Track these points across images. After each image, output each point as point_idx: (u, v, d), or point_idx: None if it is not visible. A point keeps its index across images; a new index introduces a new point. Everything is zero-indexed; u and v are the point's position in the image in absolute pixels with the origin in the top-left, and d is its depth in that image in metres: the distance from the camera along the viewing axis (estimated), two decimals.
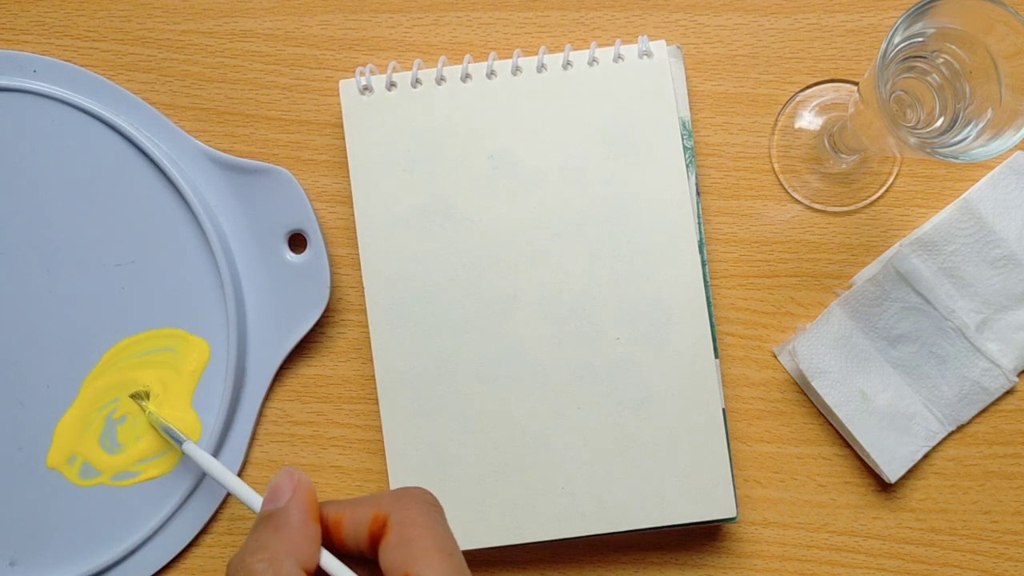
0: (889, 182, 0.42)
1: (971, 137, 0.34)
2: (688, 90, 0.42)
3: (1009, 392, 0.42)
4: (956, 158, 0.33)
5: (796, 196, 0.42)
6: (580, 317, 0.41)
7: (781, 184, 0.43)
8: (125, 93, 0.43)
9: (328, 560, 0.30)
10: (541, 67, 0.41)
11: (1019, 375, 0.42)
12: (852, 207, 0.42)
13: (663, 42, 0.41)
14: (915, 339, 0.42)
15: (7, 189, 0.42)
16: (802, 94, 0.43)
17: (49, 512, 0.42)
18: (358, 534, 0.30)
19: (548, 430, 0.41)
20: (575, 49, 0.42)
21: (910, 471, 0.42)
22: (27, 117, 0.42)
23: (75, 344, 0.42)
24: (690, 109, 0.42)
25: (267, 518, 0.31)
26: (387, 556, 0.29)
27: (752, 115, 0.43)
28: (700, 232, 0.42)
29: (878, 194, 0.42)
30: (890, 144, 0.34)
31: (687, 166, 0.42)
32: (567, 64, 0.41)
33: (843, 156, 0.42)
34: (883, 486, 0.43)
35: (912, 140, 0.33)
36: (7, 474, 0.42)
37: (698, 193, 0.42)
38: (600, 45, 0.42)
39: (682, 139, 0.41)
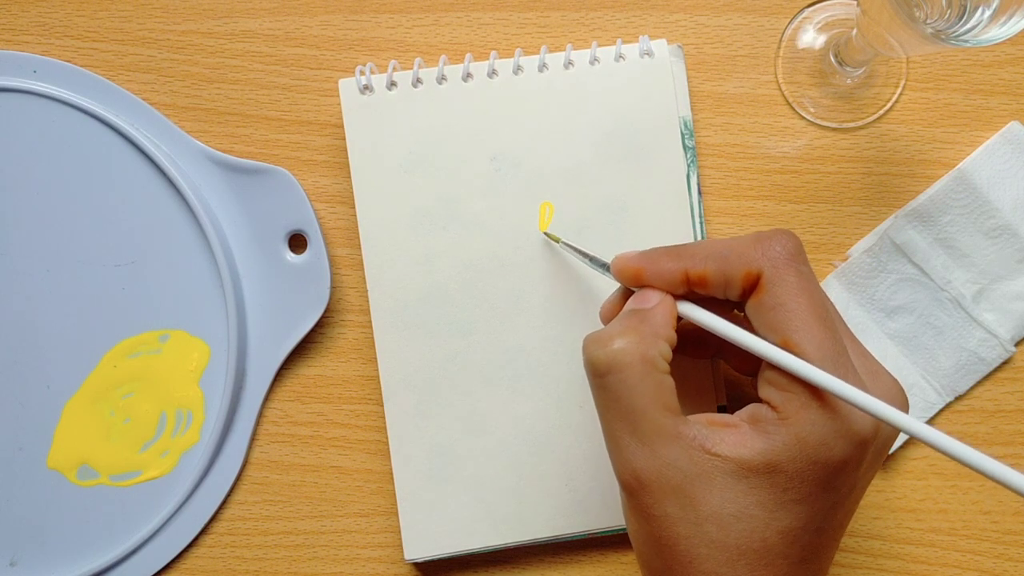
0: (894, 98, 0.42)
1: (982, 24, 0.34)
2: (689, 90, 0.42)
3: (1010, 392, 0.42)
4: (968, 43, 0.33)
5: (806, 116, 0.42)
6: (583, 317, 0.41)
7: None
8: (125, 93, 0.43)
9: (689, 308, 0.32)
10: (543, 66, 0.41)
11: (1016, 345, 0.42)
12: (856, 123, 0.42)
13: (664, 41, 0.41)
14: (912, 310, 0.42)
15: (7, 189, 0.42)
16: (807, 10, 0.43)
17: (49, 512, 0.42)
18: (728, 291, 0.31)
19: (552, 429, 0.41)
20: (576, 49, 0.42)
21: (910, 471, 0.42)
22: (27, 117, 0.42)
23: (75, 344, 0.42)
24: (691, 109, 0.42)
25: (634, 312, 0.32)
26: (762, 316, 0.30)
27: (752, 115, 0.43)
28: (701, 232, 0.42)
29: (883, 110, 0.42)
30: (900, 40, 0.34)
31: (688, 165, 0.42)
32: (568, 63, 0.41)
33: (848, 70, 0.42)
34: (883, 486, 0.43)
35: (927, 31, 0.32)
36: (7, 474, 0.42)
37: (699, 193, 0.42)
38: (601, 45, 0.42)
39: (683, 138, 0.41)
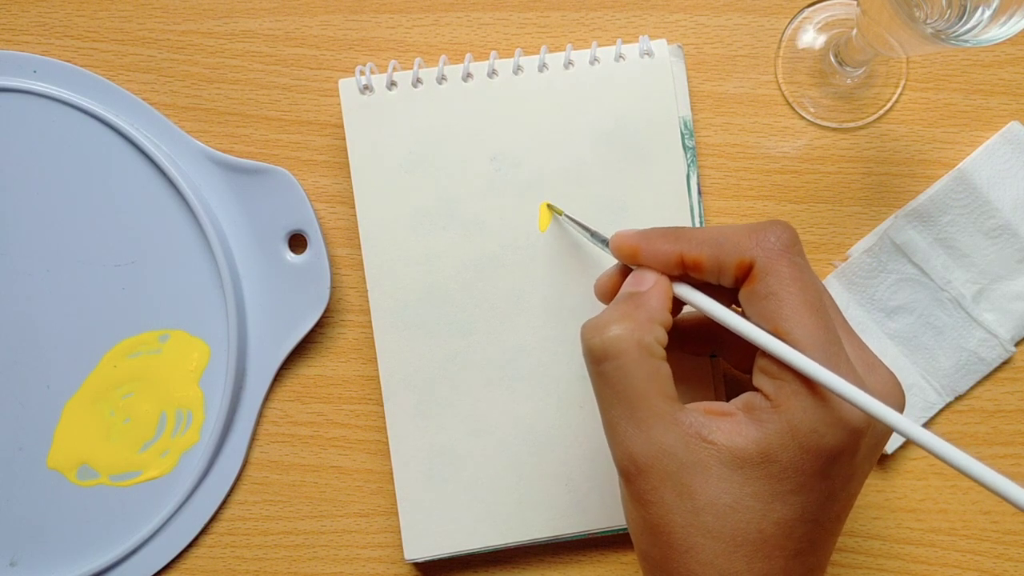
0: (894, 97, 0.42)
1: (982, 23, 0.34)
2: (689, 90, 0.42)
3: (1010, 392, 0.42)
4: (968, 43, 0.33)
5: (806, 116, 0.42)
6: (583, 317, 0.41)
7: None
8: (125, 93, 0.43)
9: (685, 290, 0.32)
10: (543, 66, 0.41)
11: (1016, 345, 0.42)
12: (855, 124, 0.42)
13: (664, 41, 0.41)
14: (912, 310, 0.42)
15: (7, 189, 0.42)
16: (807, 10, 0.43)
17: (49, 512, 0.42)
18: (721, 277, 0.31)
19: (552, 429, 0.41)
20: (576, 49, 0.42)
21: (910, 471, 0.42)
22: (27, 117, 0.42)
23: (75, 344, 0.42)
24: (691, 109, 0.42)
25: (630, 296, 0.32)
26: (754, 304, 0.30)
27: (752, 115, 0.43)
28: None
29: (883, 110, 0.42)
30: (900, 40, 0.34)
31: (688, 166, 0.42)
32: (568, 63, 0.41)
33: (848, 70, 0.42)
34: (883, 486, 0.43)
35: (927, 31, 0.32)
36: (7, 474, 0.42)
37: (699, 193, 0.42)
38: (601, 45, 0.42)
39: (683, 138, 0.41)
